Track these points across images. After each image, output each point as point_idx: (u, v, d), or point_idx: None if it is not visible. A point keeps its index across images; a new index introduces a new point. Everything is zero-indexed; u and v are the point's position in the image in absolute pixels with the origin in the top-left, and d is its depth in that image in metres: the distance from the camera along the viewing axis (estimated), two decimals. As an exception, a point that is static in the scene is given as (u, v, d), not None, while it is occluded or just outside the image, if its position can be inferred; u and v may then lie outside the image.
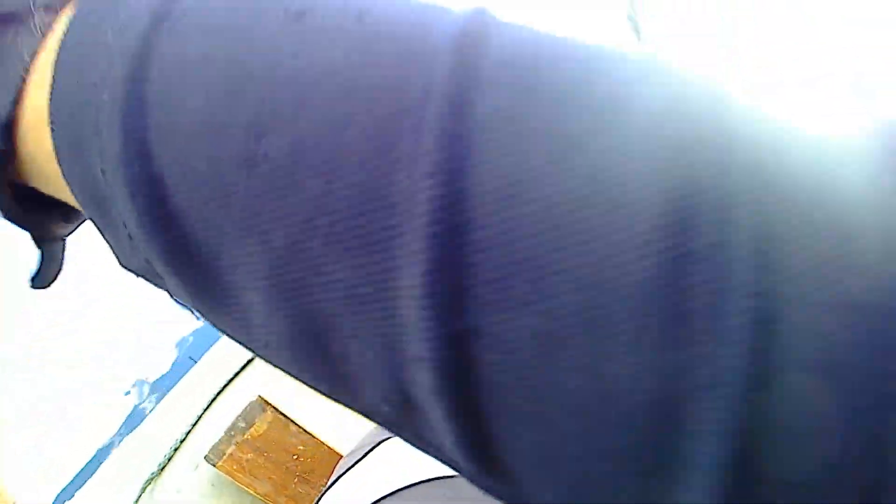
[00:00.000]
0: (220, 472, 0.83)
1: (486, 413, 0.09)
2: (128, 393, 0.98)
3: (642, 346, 0.08)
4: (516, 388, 0.09)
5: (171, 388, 1.00)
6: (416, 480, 0.37)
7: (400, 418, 0.11)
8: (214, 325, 0.12)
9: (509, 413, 0.09)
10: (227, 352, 1.06)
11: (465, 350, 0.09)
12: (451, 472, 0.12)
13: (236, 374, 1.01)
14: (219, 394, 0.97)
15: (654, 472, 0.09)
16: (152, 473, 0.84)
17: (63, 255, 0.16)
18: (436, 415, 0.10)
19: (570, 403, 0.09)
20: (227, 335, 0.12)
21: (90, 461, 0.89)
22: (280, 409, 0.84)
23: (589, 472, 0.09)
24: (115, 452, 0.90)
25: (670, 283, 0.08)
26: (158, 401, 0.98)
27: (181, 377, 1.01)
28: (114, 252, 0.13)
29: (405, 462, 0.39)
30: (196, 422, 0.92)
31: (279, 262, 0.10)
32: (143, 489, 0.81)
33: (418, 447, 0.12)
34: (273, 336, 0.11)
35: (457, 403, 0.09)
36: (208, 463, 0.84)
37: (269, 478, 0.82)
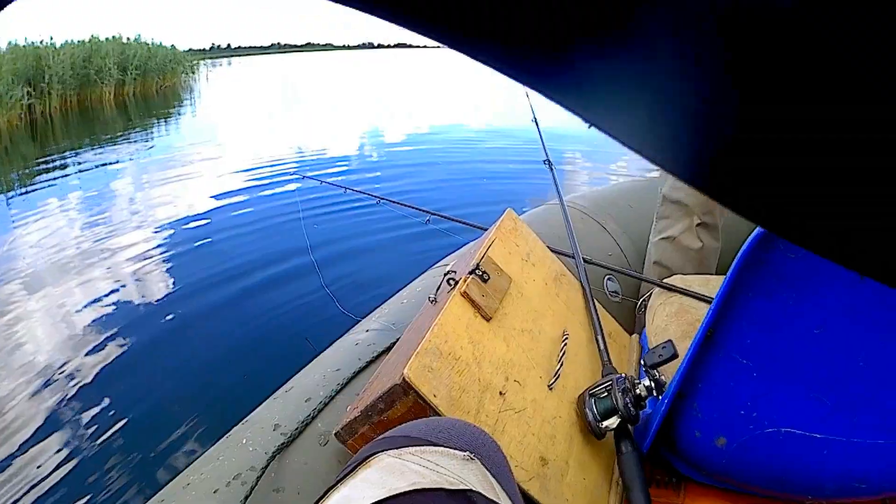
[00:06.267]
0: (349, 451, 0.72)
1: None
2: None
3: None
4: None
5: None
6: (403, 490, 0.38)
7: None
8: None
9: None
10: (373, 333, 0.99)
11: None
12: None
13: (379, 356, 0.93)
14: (361, 370, 0.89)
15: None
16: (281, 443, 0.76)
17: None
18: None
19: None
20: None
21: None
22: (423, 394, 0.72)
23: None
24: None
25: None
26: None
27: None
28: None
29: (392, 474, 0.40)
30: (333, 397, 0.84)
31: None
32: (273, 457, 0.74)
33: None
34: None
35: None
36: (338, 440, 0.75)
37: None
